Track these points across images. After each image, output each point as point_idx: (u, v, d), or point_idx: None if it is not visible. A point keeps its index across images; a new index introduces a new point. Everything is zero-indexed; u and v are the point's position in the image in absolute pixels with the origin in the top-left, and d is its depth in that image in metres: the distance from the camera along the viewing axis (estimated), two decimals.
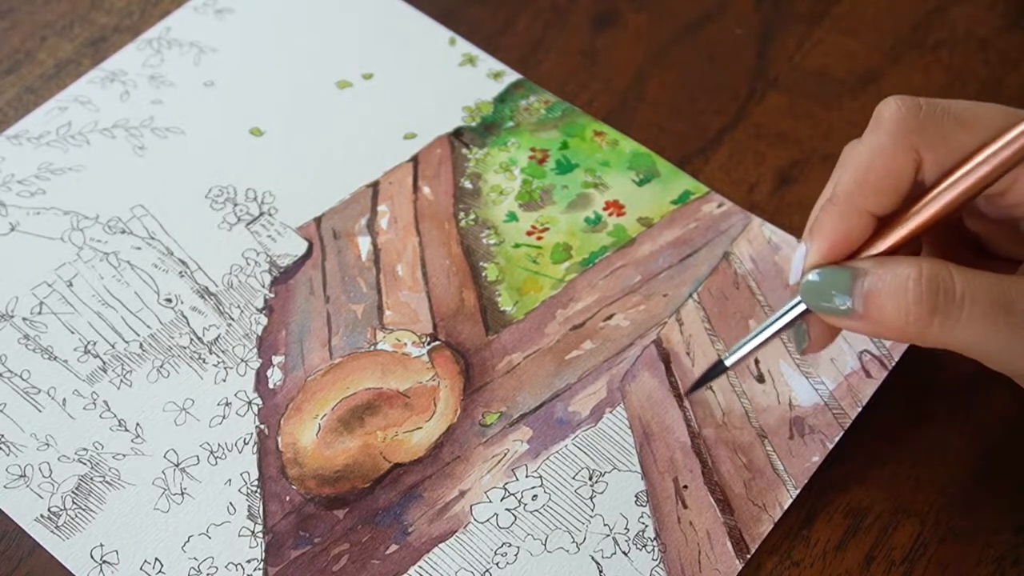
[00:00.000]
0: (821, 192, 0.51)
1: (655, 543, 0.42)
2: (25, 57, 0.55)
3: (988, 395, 0.46)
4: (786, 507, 0.43)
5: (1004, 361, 0.37)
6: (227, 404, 0.45)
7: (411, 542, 0.42)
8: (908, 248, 0.38)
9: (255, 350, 0.46)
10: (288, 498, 0.43)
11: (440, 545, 0.42)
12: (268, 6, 0.57)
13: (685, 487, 0.43)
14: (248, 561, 0.42)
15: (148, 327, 0.47)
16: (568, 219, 0.50)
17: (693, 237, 0.49)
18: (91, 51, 0.55)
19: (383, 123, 0.53)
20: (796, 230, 0.49)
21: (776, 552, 0.42)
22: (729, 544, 0.42)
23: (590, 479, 0.43)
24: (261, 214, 0.50)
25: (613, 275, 0.48)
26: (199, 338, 0.46)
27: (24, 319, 0.47)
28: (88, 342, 0.46)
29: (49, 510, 0.42)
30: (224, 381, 0.45)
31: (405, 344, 0.46)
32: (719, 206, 0.50)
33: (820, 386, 0.45)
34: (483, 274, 0.48)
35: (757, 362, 0.46)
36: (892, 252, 0.38)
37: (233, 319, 0.47)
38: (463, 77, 0.54)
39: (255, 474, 0.43)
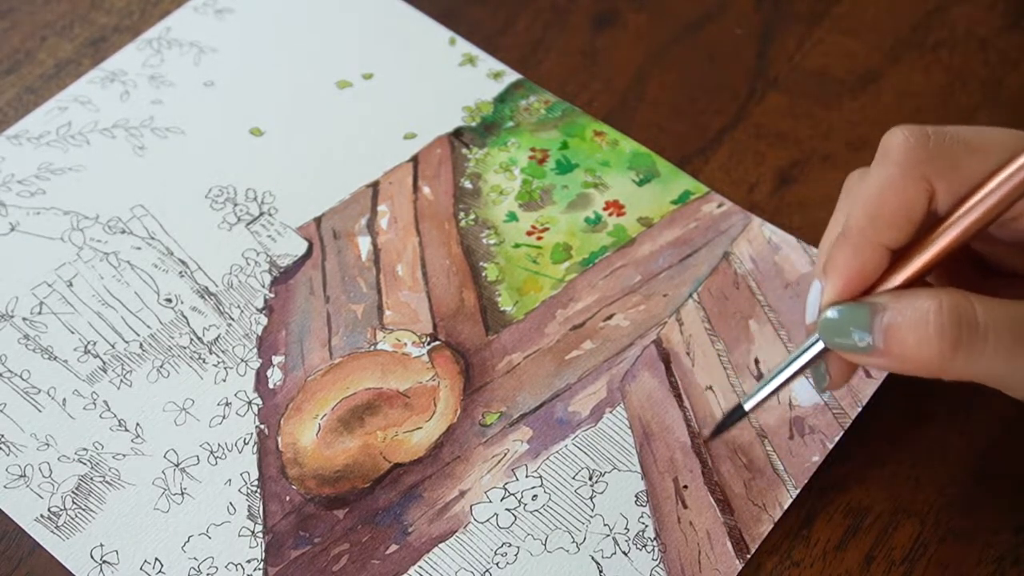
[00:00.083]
0: (821, 192, 0.51)
1: (655, 543, 0.42)
2: (25, 57, 0.55)
3: (988, 395, 0.45)
4: (786, 507, 0.43)
5: None
6: (227, 404, 0.45)
7: (411, 542, 0.42)
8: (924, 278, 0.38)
9: (255, 350, 0.46)
10: (288, 498, 0.43)
11: (440, 545, 0.42)
12: (268, 6, 0.57)
13: (685, 487, 0.43)
14: (248, 561, 0.42)
15: (148, 327, 0.47)
16: (568, 219, 0.50)
17: (693, 237, 0.49)
18: (91, 51, 0.55)
19: (383, 123, 0.53)
20: (796, 230, 0.49)
21: (776, 552, 0.42)
22: (729, 544, 0.42)
23: (590, 479, 0.43)
24: (261, 214, 0.50)
25: (613, 275, 0.48)
26: (199, 338, 0.46)
27: (24, 319, 0.47)
28: (88, 342, 0.46)
29: (49, 510, 0.42)
30: (224, 381, 0.45)
31: (405, 344, 0.46)
32: (719, 206, 0.50)
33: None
34: (483, 274, 0.48)
35: (757, 362, 0.46)
36: (908, 284, 0.37)
37: (233, 319, 0.47)
38: (463, 77, 0.54)
39: (255, 474, 0.43)
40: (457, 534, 0.42)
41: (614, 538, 0.42)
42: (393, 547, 0.42)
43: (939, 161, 0.37)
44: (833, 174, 0.51)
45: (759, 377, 0.45)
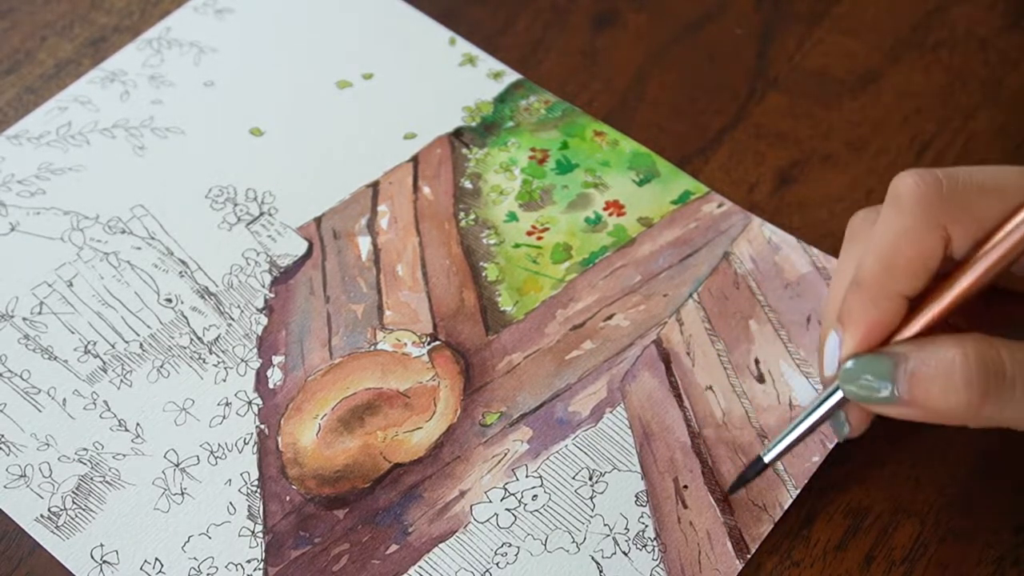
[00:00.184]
0: (821, 192, 0.51)
1: (655, 543, 0.42)
2: (25, 57, 0.55)
3: None
4: (786, 507, 0.43)
5: None
6: (227, 404, 0.45)
7: (411, 542, 0.42)
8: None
9: (255, 350, 0.46)
10: (288, 498, 0.43)
11: (440, 545, 0.42)
12: (268, 6, 0.57)
13: (685, 487, 0.43)
14: (248, 561, 0.42)
15: (148, 327, 0.47)
16: (568, 219, 0.50)
17: (693, 237, 0.49)
18: (91, 51, 0.55)
19: (383, 123, 0.53)
20: (796, 230, 0.49)
21: (776, 552, 0.42)
22: (729, 544, 0.42)
23: (590, 479, 0.43)
24: (261, 214, 0.50)
25: (613, 275, 0.48)
26: (199, 338, 0.46)
27: (24, 319, 0.47)
28: (88, 342, 0.46)
29: (49, 510, 0.42)
30: (224, 381, 0.45)
31: (405, 344, 0.46)
32: (719, 206, 0.50)
33: (820, 386, 0.45)
34: (483, 274, 0.48)
35: (757, 362, 0.46)
36: (928, 330, 0.37)
37: (233, 319, 0.47)
38: (463, 77, 0.54)
39: (255, 474, 0.43)
40: (457, 534, 0.42)
41: (614, 538, 0.42)
42: (393, 547, 0.42)
43: (954, 207, 0.36)
44: (833, 174, 0.51)
45: (759, 377, 0.45)
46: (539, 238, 0.49)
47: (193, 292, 0.48)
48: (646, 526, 0.42)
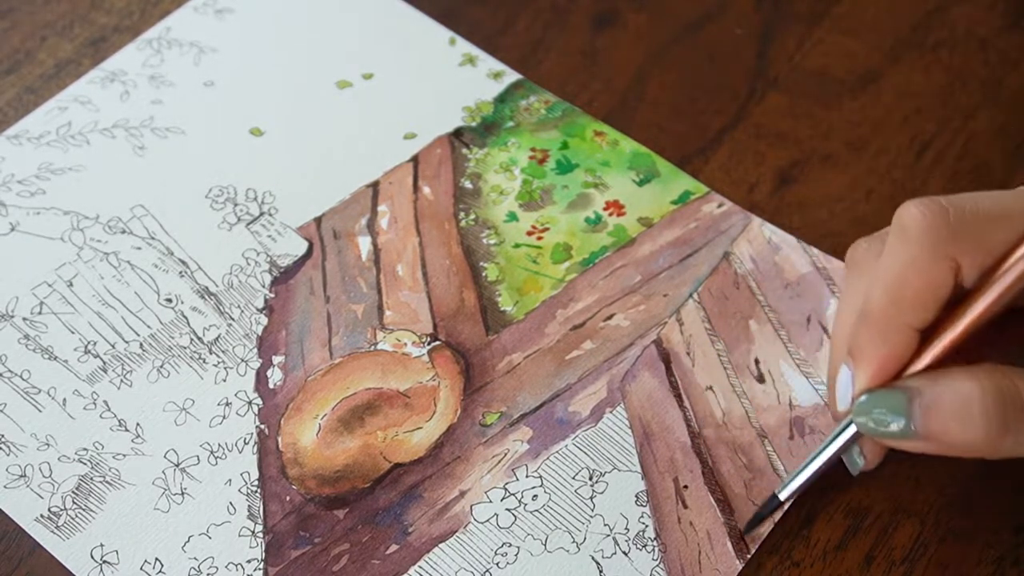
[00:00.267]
0: (821, 192, 0.51)
1: (655, 543, 0.42)
2: (25, 57, 0.55)
3: None
4: (786, 507, 0.43)
5: None
6: (227, 404, 0.45)
7: (411, 542, 0.42)
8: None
9: (255, 350, 0.46)
10: (288, 498, 0.43)
11: (440, 545, 0.42)
12: (268, 6, 0.57)
13: (685, 487, 0.43)
14: (248, 561, 0.42)
15: (148, 327, 0.47)
16: (568, 219, 0.50)
17: (693, 237, 0.49)
18: (91, 51, 0.55)
19: (383, 123, 0.53)
20: (796, 230, 0.49)
21: (776, 552, 0.42)
22: (729, 544, 0.42)
23: (590, 479, 0.43)
24: (261, 214, 0.50)
25: (613, 275, 0.48)
26: (199, 338, 0.46)
27: (24, 319, 0.47)
28: (88, 342, 0.46)
29: (49, 510, 0.42)
30: (224, 381, 0.45)
31: (405, 344, 0.46)
32: (719, 206, 0.50)
33: (820, 386, 0.45)
34: (483, 274, 0.48)
35: (757, 362, 0.46)
36: (940, 361, 0.37)
37: (233, 319, 0.47)
38: (463, 77, 0.54)
39: (255, 474, 0.43)
40: (457, 534, 0.42)
41: (614, 538, 0.42)
42: (393, 547, 0.42)
43: (962, 236, 0.36)
44: (833, 174, 0.51)
45: (759, 377, 0.45)
46: (539, 238, 0.49)
47: (193, 292, 0.48)
48: (646, 526, 0.42)
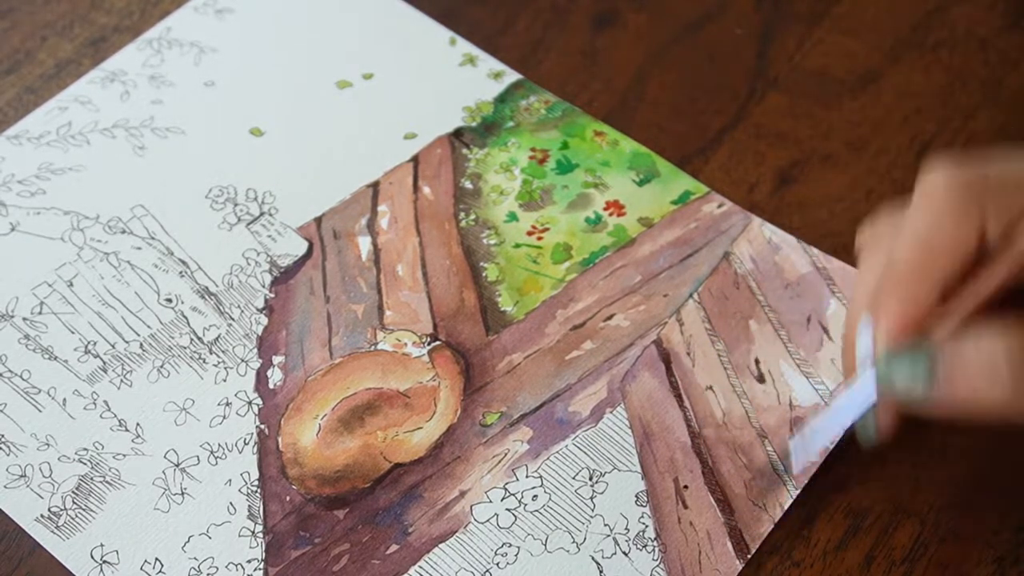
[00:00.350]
0: (821, 192, 0.51)
1: (655, 543, 0.42)
2: (25, 57, 0.55)
3: None
4: (786, 507, 0.43)
5: None
6: (227, 404, 0.45)
7: (411, 542, 0.42)
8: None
9: (255, 350, 0.46)
10: (288, 498, 0.43)
11: (440, 545, 0.42)
12: (268, 6, 0.57)
13: (685, 487, 0.43)
14: (248, 561, 0.42)
15: (148, 327, 0.47)
16: (568, 219, 0.50)
17: (693, 237, 0.49)
18: (91, 51, 0.55)
19: (383, 123, 0.53)
20: (796, 230, 0.49)
21: (776, 552, 0.42)
22: (729, 544, 0.42)
23: (590, 479, 0.43)
24: (261, 214, 0.50)
25: (613, 275, 0.48)
26: (199, 338, 0.46)
27: (24, 319, 0.47)
28: (88, 342, 0.46)
29: (49, 510, 0.42)
30: (224, 381, 0.45)
31: (405, 344, 0.46)
32: (719, 206, 0.50)
33: (820, 386, 0.45)
34: (483, 274, 0.48)
35: (757, 362, 0.46)
36: (964, 324, 0.36)
37: (233, 319, 0.47)
38: (463, 77, 0.54)
39: (255, 474, 0.43)
40: (457, 534, 0.42)
41: (614, 538, 0.42)
42: (393, 547, 0.42)
43: (987, 197, 0.36)
44: (833, 174, 0.51)
45: (759, 377, 0.45)
46: (539, 238, 0.49)
47: (193, 292, 0.48)
48: (646, 526, 0.42)
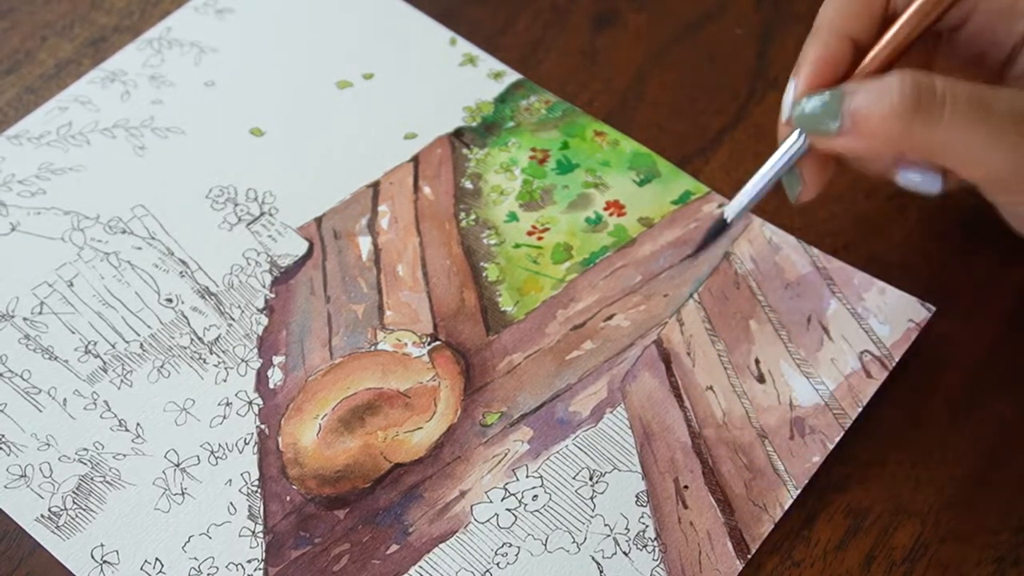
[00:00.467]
0: (821, 192, 0.51)
1: (655, 543, 0.42)
2: (25, 57, 0.55)
3: (988, 395, 0.46)
4: (786, 507, 0.43)
5: (983, 163, 0.39)
6: (227, 404, 0.45)
7: (411, 542, 0.42)
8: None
9: (255, 350, 0.46)
10: (288, 498, 0.43)
11: (440, 545, 0.42)
12: (268, 6, 0.57)
13: (685, 487, 0.43)
14: (248, 561, 0.42)
15: (148, 327, 0.47)
16: (568, 219, 0.50)
17: (694, 237, 0.49)
18: (91, 51, 0.55)
19: (383, 123, 0.53)
20: (796, 230, 0.49)
21: (776, 552, 0.42)
22: (730, 544, 0.42)
23: (590, 479, 0.43)
24: (262, 214, 0.50)
25: (613, 275, 0.48)
26: (199, 338, 0.46)
27: (24, 319, 0.47)
28: (88, 342, 0.46)
29: (49, 510, 0.42)
30: (225, 381, 0.45)
31: (406, 344, 0.46)
32: (719, 206, 0.50)
33: (820, 386, 0.45)
34: (484, 274, 0.48)
35: (757, 362, 0.46)
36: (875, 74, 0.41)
37: (233, 319, 0.47)
38: (463, 77, 0.54)
39: (255, 474, 0.43)
40: (457, 534, 0.42)
41: (614, 538, 0.42)
42: (393, 547, 0.42)
43: None
44: (833, 174, 0.51)
45: (759, 377, 0.45)
46: (539, 238, 0.49)
47: (193, 292, 0.48)
48: (646, 526, 0.42)
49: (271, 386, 0.45)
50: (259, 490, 0.43)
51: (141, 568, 0.41)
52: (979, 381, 0.46)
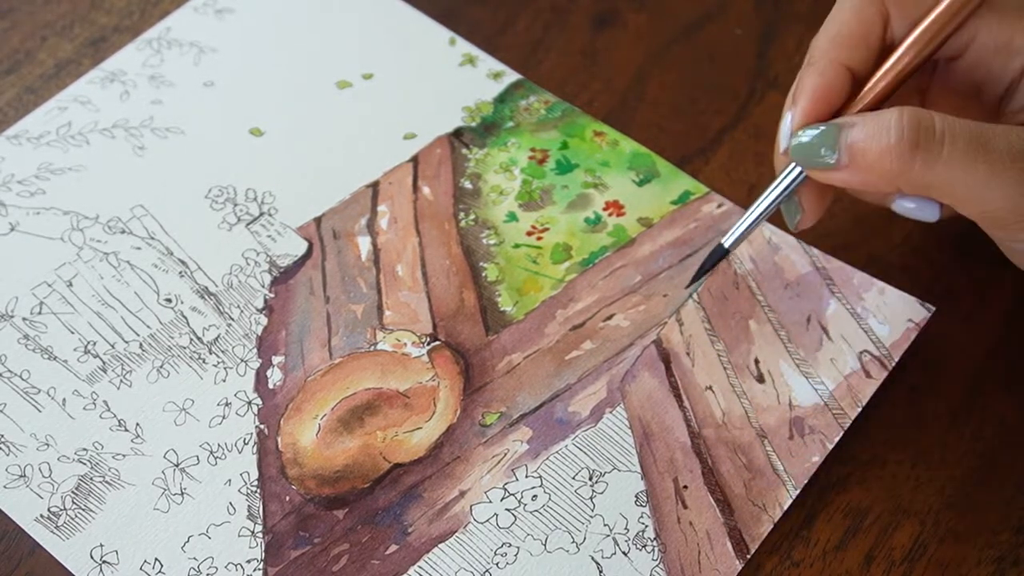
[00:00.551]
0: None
1: (655, 543, 0.42)
2: (25, 57, 0.55)
3: (988, 395, 0.46)
4: (786, 507, 0.43)
5: (981, 201, 0.39)
6: (227, 404, 0.45)
7: (411, 542, 0.42)
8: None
9: (255, 350, 0.46)
10: (288, 498, 0.43)
11: (440, 545, 0.42)
12: (268, 6, 0.57)
13: (685, 487, 0.43)
14: (248, 561, 0.42)
15: (148, 327, 0.47)
16: (568, 219, 0.50)
17: (693, 237, 0.49)
18: (91, 51, 0.55)
19: (383, 123, 0.53)
20: None
21: (776, 552, 0.42)
22: (729, 544, 0.42)
23: (590, 479, 0.43)
24: (261, 214, 0.50)
25: (613, 275, 0.48)
26: (199, 338, 0.46)
27: (24, 319, 0.47)
28: (88, 342, 0.46)
29: (49, 510, 0.42)
30: (224, 381, 0.45)
31: (405, 344, 0.46)
32: (719, 206, 0.50)
33: (820, 386, 0.45)
34: (483, 274, 0.48)
35: (757, 362, 0.46)
36: (872, 108, 0.41)
37: (233, 319, 0.47)
38: (463, 77, 0.54)
39: (255, 474, 0.43)
40: (457, 534, 0.42)
41: (614, 538, 0.42)
42: (393, 547, 0.42)
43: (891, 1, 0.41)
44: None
45: (759, 377, 0.45)
46: (539, 238, 0.49)
47: (193, 292, 0.48)
48: (646, 526, 0.42)
49: (270, 386, 0.45)
50: (258, 490, 0.43)
51: (140, 568, 0.41)
52: (979, 381, 0.46)
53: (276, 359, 0.46)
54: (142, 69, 0.54)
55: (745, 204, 0.50)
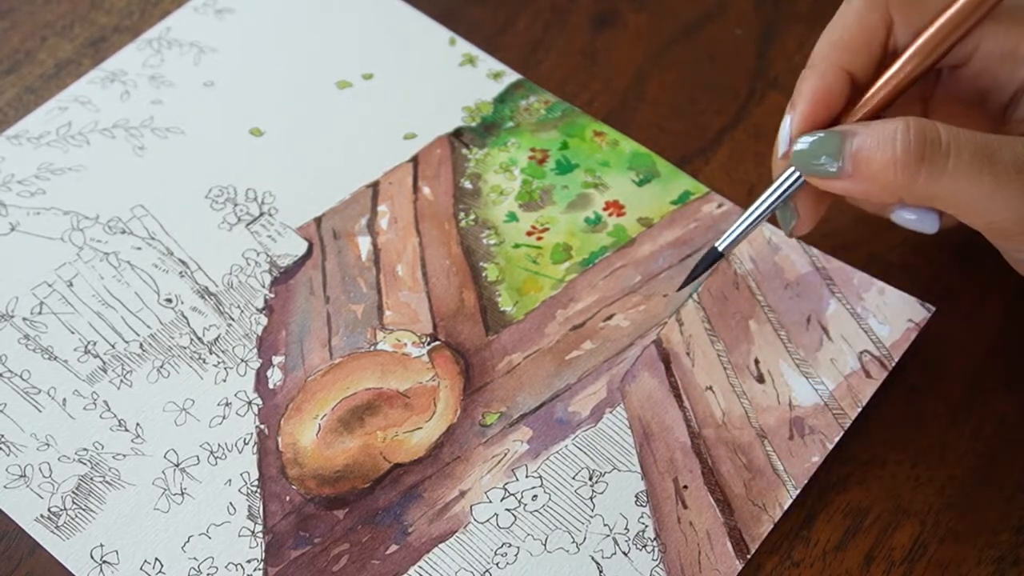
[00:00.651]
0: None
1: (655, 543, 0.42)
2: (25, 57, 0.55)
3: (988, 395, 0.46)
4: (786, 507, 0.43)
5: (986, 213, 0.39)
6: (227, 404, 0.45)
7: (411, 542, 0.42)
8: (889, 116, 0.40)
9: (255, 350, 0.46)
10: (288, 498, 0.43)
11: (440, 545, 0.42)
12: (268, 6, 0.57)
13: (685, 487, 0.43)
14: (248, 561, 0.42)
15: (148, 327, 0.47)
16: (568, 219, 0.50)
17: (693, 237, 0.49)
18: (91, 51, 0.55)
19: (383, 123, 0.53)
20: None
21: (776, 552, 0.42)
22: (729, 544, 0.42)
23: (590, 479, 0.43)
24: (261, 214, 0.50)
25: (613, 275, 0.48)
26: (199, 338, 0.46)
27: (24, 319, 0.47)
28: (88, 342, 0.46)
29: (49, 510, 0.42)
30: (224, 381, 0.45)
31: (405, 344, 0.46)
32: (719, 206, 0.50)
33: (820, 386, 0.45)
34: (483, 274, 0.48)
35: (757, 362, 0.46)
36: (874, 115, 0.41)
37: (233, 319, 0.47)
38: (463, 77, 0.54)
39: (255, 474, 0.43)
40: (457, 534, 0.42)
41: (614, 538, 0.42)
42: (393, 547, 0.42)
43: (894, 5, 0.41)
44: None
45: (759, 377, 0.45)
46: (539, 238, 0.49)
47: (193, 292, 0.48)
48: (646, 526, 0.42)
49: (270, 386, 0.45)
50: (259, 490, 0.43)
51: (141, 568, 0.41)
52: (979, 381, 0.46)
53: (276, 359, 0.46)
54: (142, 69, 0.54)
55: (745, 204, 0.50)
